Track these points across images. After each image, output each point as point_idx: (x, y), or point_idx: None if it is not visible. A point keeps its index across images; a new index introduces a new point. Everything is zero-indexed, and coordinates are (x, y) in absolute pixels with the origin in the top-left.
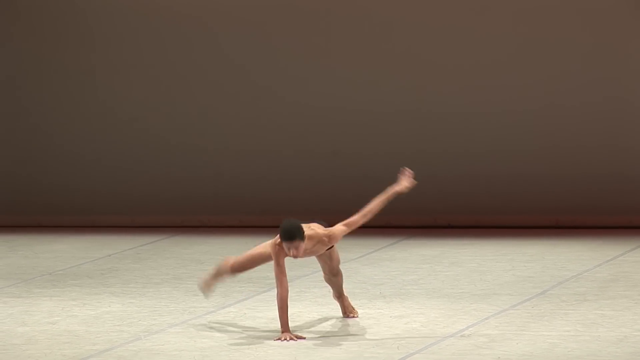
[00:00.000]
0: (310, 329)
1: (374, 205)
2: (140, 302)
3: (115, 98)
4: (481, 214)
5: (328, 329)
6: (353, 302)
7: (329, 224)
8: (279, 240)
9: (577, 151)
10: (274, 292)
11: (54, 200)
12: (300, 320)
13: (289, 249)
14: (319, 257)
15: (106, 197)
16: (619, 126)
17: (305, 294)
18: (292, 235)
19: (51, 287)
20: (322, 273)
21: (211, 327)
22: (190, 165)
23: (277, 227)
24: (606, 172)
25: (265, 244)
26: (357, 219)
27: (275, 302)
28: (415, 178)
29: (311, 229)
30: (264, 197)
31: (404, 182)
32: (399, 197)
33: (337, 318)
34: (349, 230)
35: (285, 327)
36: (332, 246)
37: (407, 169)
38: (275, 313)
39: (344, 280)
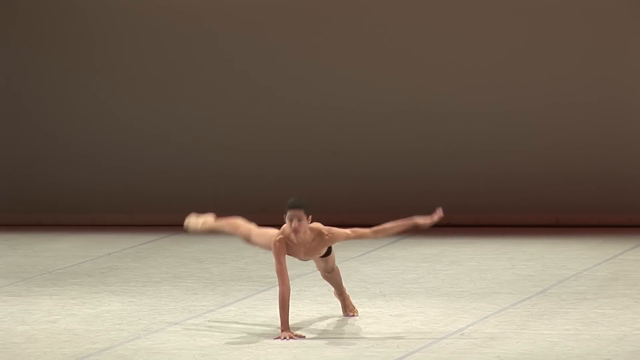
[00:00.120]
0: (310, 328)
1: (390, 226)
2: (140, 300)
3: (115, 98)
4: (481, 213)
5: (328, 328)
6: (353, 300)
7: (329, 224)
8: (280, 236)
9: (577, 150)
10: (274, 291)
11: (54, 199)
12: (300, 319)
13: (291, 219)
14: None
15: (106, 196)
16: (619, 125)
17: (305, 292)
18: (298, 203)
19: (51, 285)
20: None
21: (211, 326)
22: (190, 164)
23: (277, 226)
24: (606, 171)
25: (269, 234)
26: (367, 231)
27: (275, 301)
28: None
29: (313, 223)
30: (263, 196)
31: (430, 219)
32: (398, 196)
33: (337, 317)
34: (352, 237)
35: (285, 325)
36: (330, 252)
37: (440, 210)
38: (275, 312)
39: (342, 279)
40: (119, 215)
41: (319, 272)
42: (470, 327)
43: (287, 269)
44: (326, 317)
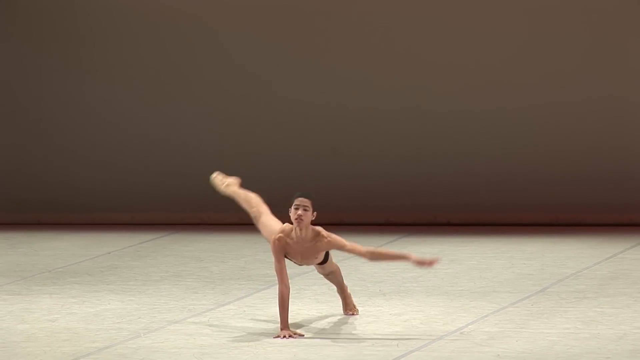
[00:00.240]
0: (309, 327)
1: (386, 252)
2: (139, 299)
3: (114, 96)
4: (481, 212)
5: (327, 327)
6: (352, 299)
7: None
8: (280, 235)
9: (577, 149)
10: (274, 289)
11: (54, 198)
12: (299, 318)
13: (297, 208)
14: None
15: (106, 194)
16: (619, 124)
17: (304, 291)
18: (307, 194)
19: (51, 284)
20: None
21: (210, 325)
22: (189, 162)
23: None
24: (606, 169)
25: (273, 228)
26: (362, 250)
27: (275, 300)
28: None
29: (316, 227)
30: (263, 194)
31: (423, 261)
32: (398, 195)
33: (336, 315)
34: (347, 249)
35: (284, 324)
36: (327, 259)
37: (438, 259)
38: (274, 310)
39: (343, 278)
40: (119, 214)
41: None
42: (470, 326)
43: (287, 267)
44: (326, 316)
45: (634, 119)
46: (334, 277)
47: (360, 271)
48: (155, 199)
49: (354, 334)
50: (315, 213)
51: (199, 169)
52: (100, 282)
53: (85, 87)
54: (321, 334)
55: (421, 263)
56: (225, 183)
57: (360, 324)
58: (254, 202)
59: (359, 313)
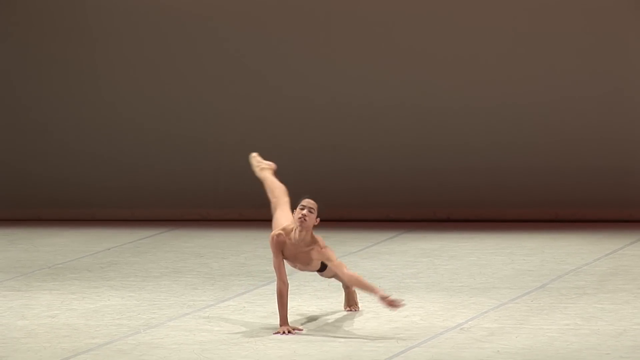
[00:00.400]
0: (309, 323)
1: (362, 282)
2: (139, 295)
3: (114, 93)
4: (481, 208)
5: (327, 323)
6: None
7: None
8: (279, 231)
9: (577, 145)
10: (273, 285)
11: (54, 194)
12: (299, 314)
13: (302, 208)
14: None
15: (106, 190)
16: (619, 120)
17: (304, 287)
18: (314, 201)
19: (51, 280)
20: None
21: (210, 321)
22: (190, 158)
23: None
24: (606, 165)
25: (279, 223)
26: (345, 272)
27: (274, 296)
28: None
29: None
30: (263, 191)
31: (388, 300)
32: (398, 191)
33: (336, 312)
34: (333, 264)
35: (283, 320)
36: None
37: (402, 304)
38: (274, 306)
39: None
40: (119, 210)
41: None
42: (469, 322)
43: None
44: (326, 312)
45: (634, 115)
46: (339, 277)
47: (359, 267)
48: (155, 195)
49: (353, 330)
50: (318, 219)
51: (199, 166)
52: (100, 278)
53: (85, 83)
54: (321, 330)
55: (385, 300)
56: (261, 166)
57: (360, 320)
58: (276, 193)
59: (359, 309)
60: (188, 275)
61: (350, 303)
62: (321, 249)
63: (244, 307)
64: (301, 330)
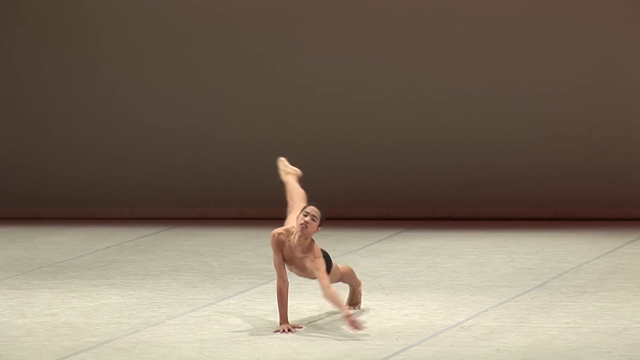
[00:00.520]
0: (309, 321)
1: (337, 297)
2: (139, 294)
3: (114, 91)
4: (481, 206)
5: (328, 321)
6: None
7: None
8: (280, 231)
9: (577, 143)
10: (273, 284)
11: (54, 192)
12: (299, 312)
13: (306, 215)
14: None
15: (106, 189)
16: (619, 118)
17: (304, 285)
18: (320, 207)
19: (51, 279)
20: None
21: (210, 319)
22: (189, 157)
23: (277, 219)
24: (606, 164)
25: (289, 222)
26: (325, 282)
27: (274, 294)
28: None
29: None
30: (263, 189)
31: (350, 319)
32: (398, 190)
33: (336, 310)
34: (318, 274)
35: (283, 318)
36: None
37: (362, 327)
38: (274, 305)
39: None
40: (119, 208)
41: None
42: (469, 321)
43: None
44: (326, 310)
45: (634, 113)
46: (345, 280)
47: (360, 265)
48: (155, 193)
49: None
50: (320, 228)
51: (199, 164)
52: (100, 276)
53: (85, 82)
54: (321, 328)
55: (348, 319)
56: (287, 170)
57: (360, 318)
58: (295, 197)
59: (360, 309)
60: (188, 273)
61: (353, 302)
62: (314, 258)
63: (244, 305)
64: (301, 328)
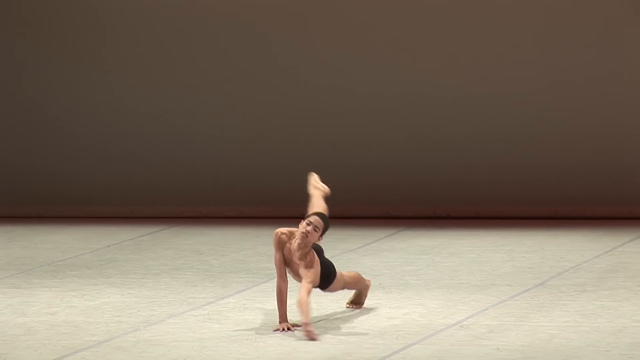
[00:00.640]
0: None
1: (305, 307)
2: (139, 292)
3: (114, 90)
4: (480, 205)
5: (327, 320)
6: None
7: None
8: (283, 230)
9: (577, 142)
10: (273, 282)
11: (54, 191)
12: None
13: (309, 224)
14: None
15: (105, 188)
16: (619, 117)
17: None
18: (324, 218)
19: (50, 277)
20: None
21: (210, 318)
22: (189, 156)
23: (276, 217)
24: (606, 162)
25: (319, 200)
26: (303, 290)
27: (274, 293)
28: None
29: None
30: (262, 188)
31: (307, 329)
32: (398, 188)
33: (336, 309)
34: (304, 281)
35: (283, 317)
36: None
37: (316, 338)
38: (274, 304)
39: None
40: (119, 207)
41: None
42: (469, 319)
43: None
44: (325, 309)
45: (634, 112)
46: (350, 287)
47: (359, 264)
48: (154, 192)
49: (353, 327)
50: (322, 239)
51: (199, 162)
52: (100, 275)
53: (84, 81)
54: (320, 327)
55: (305, 330)
56: (316, 185)
57: (360, 317)
58: (315, 210)
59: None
60: (187, 272)
61: (356, 302)
62: (306, 267)
63: (244, 304)
64: (300, 327)
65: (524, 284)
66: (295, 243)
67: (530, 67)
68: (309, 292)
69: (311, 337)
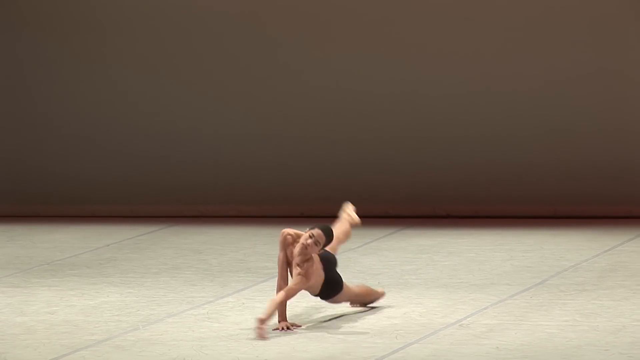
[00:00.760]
0: (308, 319)
1: (281, 307)
2: (138, 291)
3: (114, 89)
4: (480, 204)
5: (326, 319)
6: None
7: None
8: (290, 232)
9: (576, 141)
10: (272, 282)
11: (53, 190)
12: (298, 310)
13: (311, 236)
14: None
15: (105, 187)
16: (619, 116)
17: None
18: (328, 232)
19: (50, 277)
20: None
21: (209, 317)
22: (189, 155)
23: (275, 216)
24: (605, 162)
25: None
26: (282, 291)
27: (273, 292)
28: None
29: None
30: (262, 187)
31: (259, 325)
32: (397, 187)
33: (335, 308)
34: (290, 285)
35: (282, 316)
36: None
37: (263, 337)
38: None
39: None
40: (118, 206)
41: None
42: (468, 318)
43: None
44: (325, 308)
45: (634, 111)
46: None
47: (359, 263)
48: (154, 191)
49: (352, 327)
50: (322, 250)
51: (198, 161)
52: (99, 274)
53: (84, 80)
54: (320, 326)
55: (257, 324)
56: (350, 214)
57: (359, 316)
58: (337, 230)
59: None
60: (187, 271)
61: (361, 304)
62: (300, 273)
63: (243, 303)
64: (300, 326)
65: (523, 283)
66: (297, 248)
67: (529, 66)
68: (288, 295)
69: (260, 335)
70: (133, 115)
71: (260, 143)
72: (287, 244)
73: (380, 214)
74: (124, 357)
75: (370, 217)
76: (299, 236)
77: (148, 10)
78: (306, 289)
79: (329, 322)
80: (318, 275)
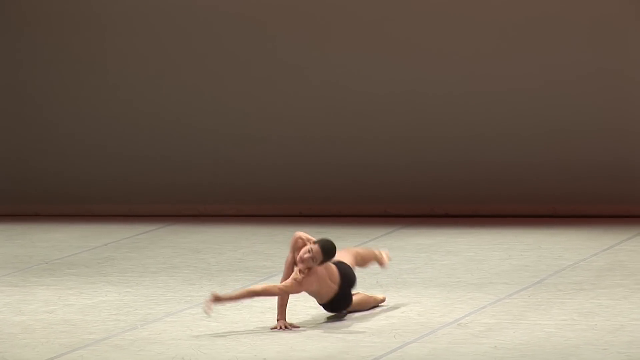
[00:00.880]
0: (307, 318)
1: (248, 293)
2: (136, 291)
3: (112, 88)
4: (478, 203)
5: (325, 318)
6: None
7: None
8: (302, 235)
9: (575, 140)
10: (271, 281)
11: (51, 189)
12: (297, 310)
13: (309, 251)
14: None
15: (103, 186)
16: (618, 115)
17: None
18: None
19: (48, 276)
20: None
21: (208, 316)
22: (187, 154)
23: (274, 215)
24: (604, 161)
25: (343, 254)
26: (265, 286)
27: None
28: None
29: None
30: (261, 186)
31: (208, 302)
32: (396, 187)
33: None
34: (281, 284)
35: (281, 316)
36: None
37: (208, 311)
38: (272, 302)
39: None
40: (116, 205)
41: None
42: (467, 318)
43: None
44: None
45: (633, 110)
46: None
47: None
48: (152, 190)
49: (351, 326)
50: (320, 263)
51: (197, 161)
52: (98, 273)
53: (83, 80)
54: (318, 325)
55: (210, 298)
56: (382, 251)
57: (357, 315)
58: (353, 250)
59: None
60: (185, 270)
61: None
62: (294, 278)
63: (242, 302)
64: (298, 327)
65: (521, 282)
66: (298, 255)
67: (529, 66)
68: (266, 291)
69: (205, 310)
70: (132, 115)
71: (259, 143)
72: (297, 247)
73: (379, 213)
74: (122, 356)
75: (369, 216)
76: (308, 241)
77: (148, 10)
78: (313, 296)
79: (328, 321)
80: (328, 286)
